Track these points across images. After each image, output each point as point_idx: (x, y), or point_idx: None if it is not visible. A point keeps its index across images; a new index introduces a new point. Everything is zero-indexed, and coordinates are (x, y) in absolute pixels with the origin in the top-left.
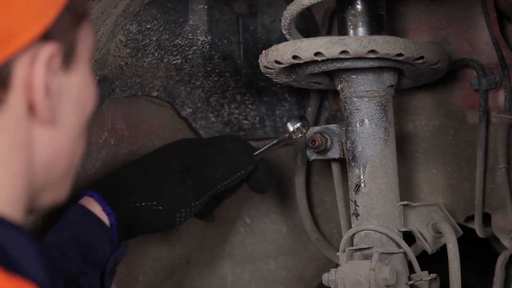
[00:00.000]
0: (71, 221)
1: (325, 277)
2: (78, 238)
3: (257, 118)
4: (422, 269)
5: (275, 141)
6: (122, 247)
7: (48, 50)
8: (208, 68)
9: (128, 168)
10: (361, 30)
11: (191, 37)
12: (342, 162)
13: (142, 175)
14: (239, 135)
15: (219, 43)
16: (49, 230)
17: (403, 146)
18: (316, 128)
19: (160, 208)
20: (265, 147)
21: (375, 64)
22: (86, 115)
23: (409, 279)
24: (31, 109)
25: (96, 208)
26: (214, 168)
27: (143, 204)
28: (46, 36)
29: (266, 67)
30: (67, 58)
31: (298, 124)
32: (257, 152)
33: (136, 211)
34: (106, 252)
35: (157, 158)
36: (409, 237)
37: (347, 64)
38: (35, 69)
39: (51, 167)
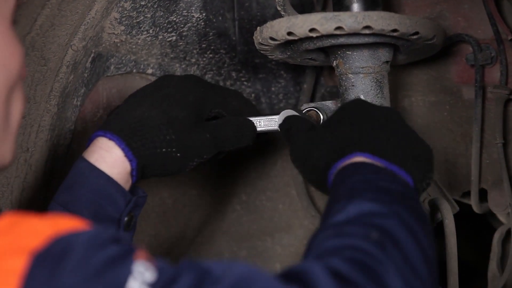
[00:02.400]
0: (79, 179)
1: None
2: (87, 198)
3: (253, 95)
4: None
5: (272, 127)
6: (136, 198)
7: None
8: (203, 45)
9: (144, 107)
10: (356, 6)
11: (185, 14)
12: None
13: (161, 118)
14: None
15: (214, 20)
16: (52, 183)
17: None
18: (312, 105)
19: (178, 155)
20: (266, 129)
21: (370, 40)
22: (12, 75)
23: None
24: None
25: (116, 153)
26: (228, 130)
27: (164, 150)
28: None
29: (261, 43)
30: None
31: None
32: (258, 131)
33: (155, 156)
34: (120, 207)
35: (173, 97)
36: None
37: (342, 40)
38: None
39: None
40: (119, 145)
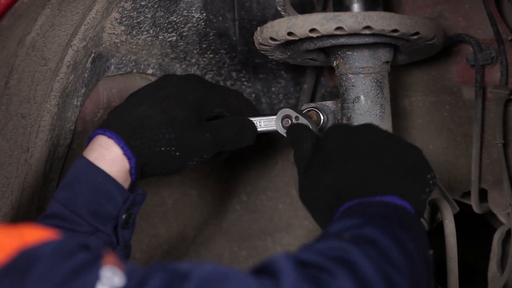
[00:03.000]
0: (78, 177)
1: None
2: (85, 195)
3: (253, 95)
4: None
5: (272, 128)
6: (134, 196)
7: None
8: (204, 45)
9: (144, 106)
10: (356, 6)
11: (186, 14)
12: None
13: (161, 117)
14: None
15: (214, 20)
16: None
17: (399, 122)
18: (312, 105)
19: (177, 154)
20: (266, 129)
21: (371, 40)
22: None
23: None
24: None
25: (115, 151)
26: (229, 130)
27: (163, 149)
28: None
29: (261, 44)
30: None
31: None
32: (258, 131)
33: (154, 155)
34: (118, 204)
35: (173, 96)
36: None
37: (342, 41)
38: None
39: None
40: (118, 144)
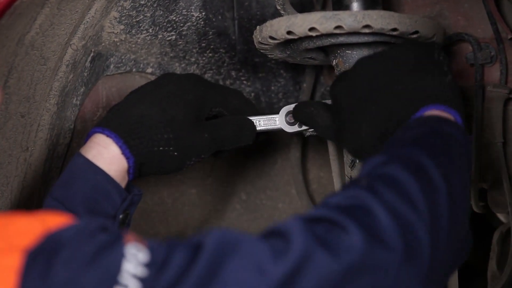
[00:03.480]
0: (76, 175)
1: None
2: (83, 193)
3: (252, 94)
4: None
5: (272, 127)
6: (132, 196)
7: None
8: (203, 44)
9: (143, 105)
10: (355, 5)
11: (185, 13)
12: None
13: (160, 117)
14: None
15: (214, 19)
16: (52, 182)
17: None
18: None
19: (175, 154)
20: (265, 128)
21: (370, 39)
22: None
23: None
24: None
25: (113, 150)
26: (228, 129)
27: (161, 148)
28: None
29: (260, 43)
30: None
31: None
32: (258, 131)
33: (153, 154)
34: (116, 204)
35: (173, 95)
36: None
37: (341, 40)
38: None
39: None
40: (117, 143)
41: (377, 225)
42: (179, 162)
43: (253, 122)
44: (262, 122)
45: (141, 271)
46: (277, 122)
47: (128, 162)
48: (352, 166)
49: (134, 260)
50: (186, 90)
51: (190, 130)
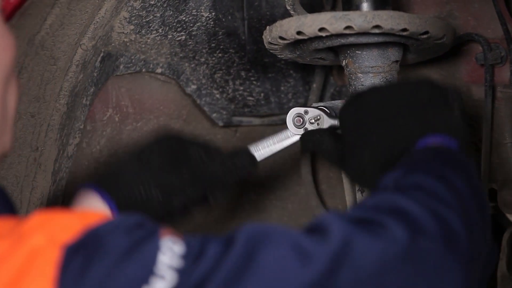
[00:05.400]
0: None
1: None
2: None
3: (262, 94)
4: None
5: (276, 147)
6: None
7: None
8: (213, 45)
9: (123, 162)
10: (365, 5)
11: (195, 13)
12: None
13: (137, 165)
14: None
15: (223, 19)
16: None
17: None
18: (321, 104)
19: (157, 192)
20: (270, 153)
21: (380, 39)
22: (6, 66)
23: None
24: None
25: (94, 197)
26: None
27: (141, 187)
28: None
29: (270, 43)
30: None
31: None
32: (261, 159)
33: (134, 196)
34: None
35: (151, 153)
36: None
37: (351, 40)
38: None
39: None
40: (95, 189)
41: (415, 220)
42: (165, 203)
43: (249, 151)
44: (261, 147)
45: (177, 262)
46: (287, 122)
47: (110, 206)
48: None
49: (170, 252)
50: (166, 155)
51: (168, 170)
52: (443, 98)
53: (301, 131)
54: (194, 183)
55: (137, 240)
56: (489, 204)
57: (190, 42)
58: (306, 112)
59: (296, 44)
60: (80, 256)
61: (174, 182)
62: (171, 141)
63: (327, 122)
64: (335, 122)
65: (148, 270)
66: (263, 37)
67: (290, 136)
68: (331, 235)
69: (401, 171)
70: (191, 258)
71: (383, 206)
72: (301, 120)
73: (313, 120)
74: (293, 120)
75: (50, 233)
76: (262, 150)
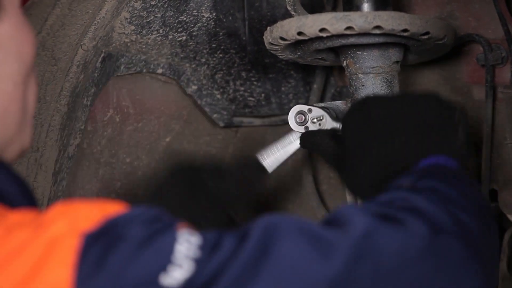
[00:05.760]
0: None
1: None
2: None
3: (263, 95)
4: None
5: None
6: None
7: None
8: (213, 45)
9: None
10: (366, 6)
11: (195, 13)
12: None
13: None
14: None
15: (224, 20)
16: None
17: None
18: (322, 105)
19: None
20: (279, 162)
21: (381, 40)
22: (27, 62)
23: None
24: None
25: None
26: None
27: None
28: None
29: (271, 43)
30: None
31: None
32: (271, 170)
33: None
34: None
35: (168, 192)
36: None
37: (352, 40)
38: None
39: (4, 118)
40: None
41: (433, 218)
42: None
43: (259, 161)
44: (265, 155)
45: (194, 252)
46: (290, 110)
47: None
48: None
49: (187, 243)
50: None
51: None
52: (448, 118)
53: (302, 129)
54: (213, 208)
55: (155, 231)
56: (496, 226)
57: (190, 43)
58: (309, 111)
59: (297, 44)
60: (99, 244)
61: (196, 213)
62: (184, 171)
63: (329, 123)
64: (337, 125)
65: (166, 259)
66: (264, 37)
67: (294, 141)
68: (353, 226)
69: (414, 176)
70: (207, 249)
71: (400, 203)
72: (303, 117)
73: (315, 120)
74: (295, 117)
75: (71, 221)
76: (269, 158)
